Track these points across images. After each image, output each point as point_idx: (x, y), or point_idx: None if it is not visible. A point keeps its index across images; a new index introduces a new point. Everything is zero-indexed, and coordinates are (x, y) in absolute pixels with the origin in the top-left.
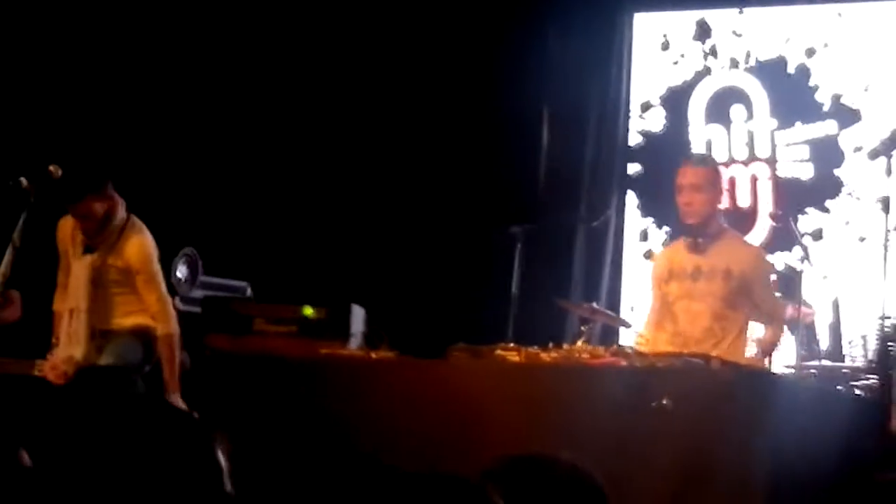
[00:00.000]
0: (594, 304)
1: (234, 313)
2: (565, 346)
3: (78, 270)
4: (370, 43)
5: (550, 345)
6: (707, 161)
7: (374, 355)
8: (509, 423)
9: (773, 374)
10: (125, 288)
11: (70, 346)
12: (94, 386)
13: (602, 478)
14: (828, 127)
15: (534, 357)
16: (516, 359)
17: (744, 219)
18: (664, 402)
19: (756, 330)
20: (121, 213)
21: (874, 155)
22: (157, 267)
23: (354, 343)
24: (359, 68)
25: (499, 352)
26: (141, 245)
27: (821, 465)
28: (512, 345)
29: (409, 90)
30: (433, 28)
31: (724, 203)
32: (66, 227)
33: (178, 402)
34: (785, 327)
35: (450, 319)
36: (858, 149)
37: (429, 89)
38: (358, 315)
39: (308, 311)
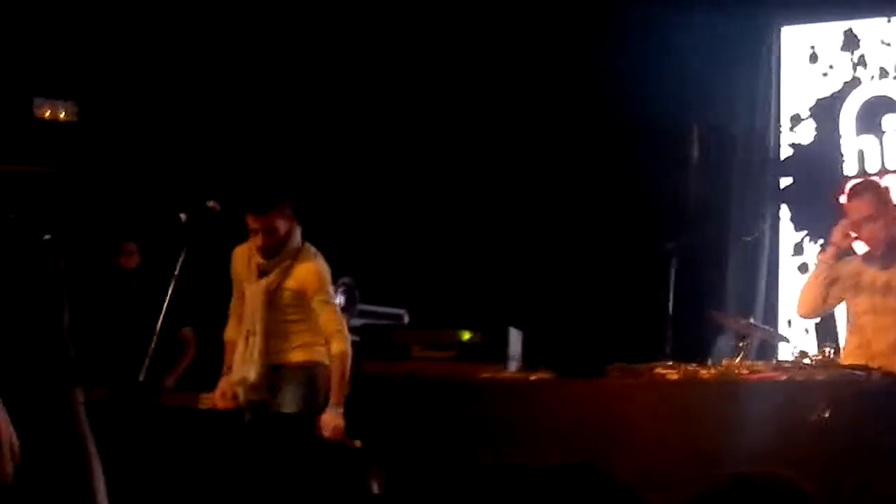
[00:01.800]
0: (751, 319)
1: (391, 341)
2: (724, 361)
3: (253, 294)
4: (522, 65)
5: (709, 361)
6: (869, 187)
7: (532, 377)
8: (669, 440)
9: None
10: (299, 314)
11: (244, 367)
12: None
13: None
14: None
15: (692, 374)
16: (675, 376)
17: None
18: (824, 414)
19: None
20: (298, 236)
21: None
22: (332, 290)
23: (513, 365)
24: (509, 93)
25: (657, 370)
26: (317, 268)
27: None
28: (670, 362)
29: (560, 113)
30: (582, 49)
31: None
32: (242, 254)
33: (339, 419)
34: None
35: (607, 338)
36: None
37: (578, 111)
38: (515, 338)
39: (465, 335)
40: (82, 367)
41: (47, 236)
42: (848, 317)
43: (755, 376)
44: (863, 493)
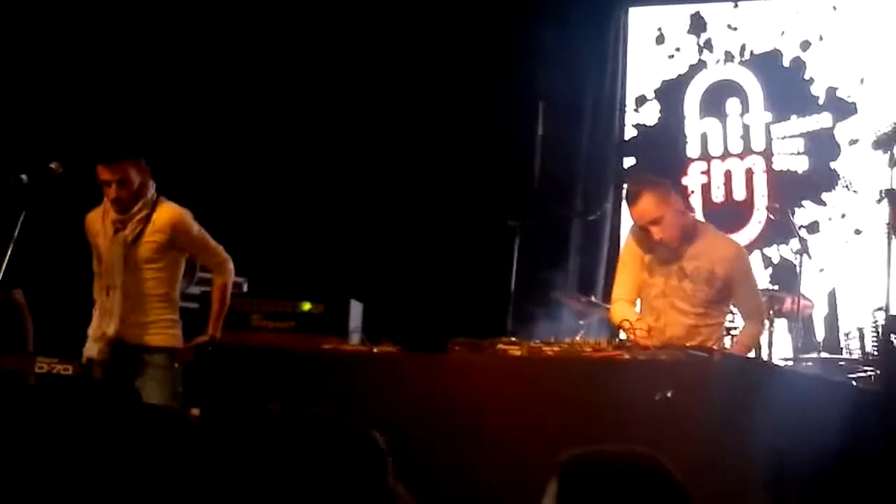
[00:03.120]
0: (591, 298)
1: (231, 309)
2: (567, 340)
3: (110, 250)
4: (368, 39)
5: (552, 338)
6: (641, 189)
7: (375, 350)
8: (511, 417)
9: (775, 364)
10: (158, 271)
11: (103, 322)
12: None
13: None
14: (823, 120)
15: (536, 351)
16: (518, 353)
17: (739, 212)
18: (667, 394)
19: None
20: (153, 190)
21: (879, 145)
22: (198, 227)
23: (355, 338)
24: (357, 66)
25: (500, 346)
26: (176, 211)
27: (822, 454)
28: (513, 339)
29: (404, 87)
30: (428, 23)
31: (720, 197)
32: (95, 217)
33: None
34: (766, 323)
35: (448, 314)
36: (854, 141)
37: (423, 86)
38: (356, 310)
39: (306, 306)
40: None
41: None
42: (642, 297)
43: (599, 355)
44: (704, 471)
